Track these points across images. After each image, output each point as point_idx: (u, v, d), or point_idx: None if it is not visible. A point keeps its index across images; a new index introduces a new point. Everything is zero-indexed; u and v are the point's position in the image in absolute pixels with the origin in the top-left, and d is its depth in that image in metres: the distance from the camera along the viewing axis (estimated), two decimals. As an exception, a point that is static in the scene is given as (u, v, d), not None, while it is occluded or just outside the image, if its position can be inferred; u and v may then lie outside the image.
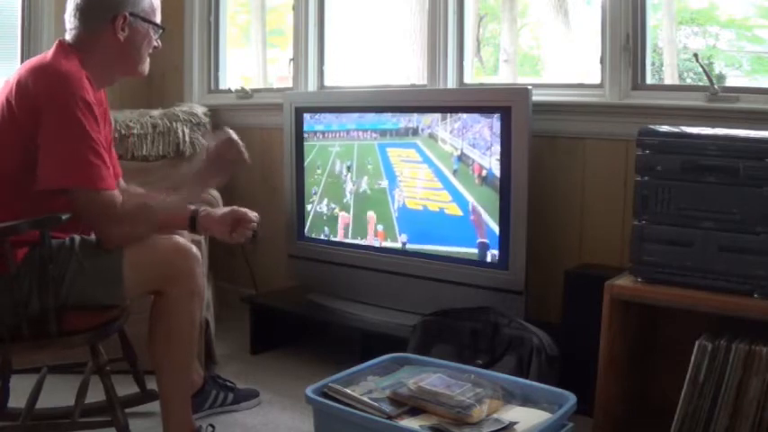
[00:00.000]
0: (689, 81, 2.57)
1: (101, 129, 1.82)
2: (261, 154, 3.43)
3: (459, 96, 2.70)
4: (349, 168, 2.84)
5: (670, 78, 2.63)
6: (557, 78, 3.20)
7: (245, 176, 3.47)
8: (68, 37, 1.90)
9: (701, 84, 2.38)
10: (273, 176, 3.32)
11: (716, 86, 2.25)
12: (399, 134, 2.69)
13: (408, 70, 3.41)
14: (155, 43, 1.98)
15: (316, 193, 2.95)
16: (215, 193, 2.90)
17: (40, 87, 1.75)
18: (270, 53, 3.83)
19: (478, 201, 2.48)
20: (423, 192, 2.64)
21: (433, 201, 2.61)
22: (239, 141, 2.01)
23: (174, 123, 3.20)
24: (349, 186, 2.84)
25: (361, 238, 2.81)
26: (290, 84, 3.36)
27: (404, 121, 2.66)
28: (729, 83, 2.43)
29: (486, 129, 2.44)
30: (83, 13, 1.87)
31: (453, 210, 2.55)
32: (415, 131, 2.64)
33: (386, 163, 2.73)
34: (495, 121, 2.40)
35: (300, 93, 3.24)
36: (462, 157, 2.52)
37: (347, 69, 3.37)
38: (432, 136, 2.60)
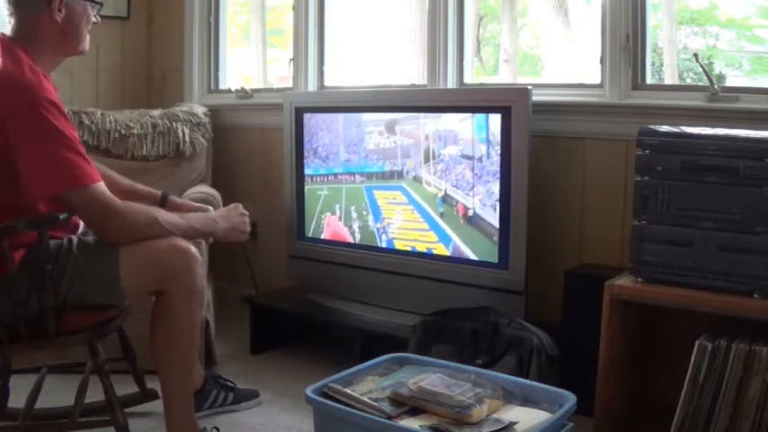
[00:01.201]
0: (689, 81, 2.57)
1: (71, 124, 1.81)
2: (261, 154, 3.43)
3: (459, 96, 2.70)
4: (340, 210, 2.85)
5: (670, 78, 2.63)
6: (557, 78, 3.20)
7: (246, 176, 3.48)
8: (8, 29, 1.85)
9: (701, 84, 2.38)
10: (273, 176, 3.32)
11: (716, 86, 2.25)
12: (385, 177, 2.70)
13: (408, 70, 3.41)
14: (93, 19, 1.94)
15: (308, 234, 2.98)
16: (214, 192, 2.90)
17: (2, 101, 1.70)
18: (270, 53, 3.83)
19: (464, 241, 2.50)
20: (410, 233, 2.66)
21: (420, 242, 2.63)
22: (246, 213, 2.08)
23: (174, 123, 3.20)
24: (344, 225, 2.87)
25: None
26: (290, 84, 3.36)
27: (389, 164, 2.68)
28: (729, 83, 2.43)
29: (467, 170, 2.46)
30: (17, 3, 1.83)
31: (441, 250, 2.57)
32: (400, 174, 2.66)
33: (373, 205, 2.75)
34: (479, 154, 2.42)
35: (300, 93, 3.24)
36: (446, 198, 2.54)
37: (347, 69, 3.37)
38: (416, 178, 2.62)
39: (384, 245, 2.73)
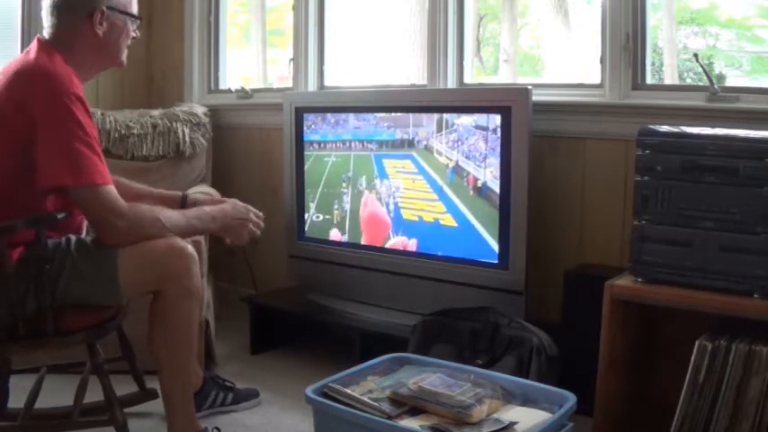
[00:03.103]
0: (689, 81, 2.57)
1: (93, 123, 1.83)
2: (261, 154, 3.43)
3: (459, 96, 2.70)
4: (348, 179, 2.84)
5: (670, 78, 2.63)
6: (557, 78, 3.20)
7: (245, 176, 3.48)
8: (46, 35, 1.88)
9: (701, 84, 2.38)
10: (273, 177, 3.32)
11: (716, 86, 2.25)
12: (395, 146, 2.70)
13: (408, 70, 3.41)
14: (133, 34, 1.98)
15: (313, 202, 2.96)
16: (214, 192, 2.90)
17: (31, 90, 1.74)
18: (270, 53, 3.83)
19: (472, 212, 2.49)
20: (418, 203, 2.65)
21: (428, 212, 2.62)
22: (248, 218, 2.05)
23: (174, 123, 3.20)
24: (345, 197, 2.85)
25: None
26: (290, 84, 3.36)
27: (400, 132, 2.67)
28: (729, 83, 2.43)
29: (481, 141, 2.45)
30: (59, 10, 1.86)
31: (448, 221, 2.57)
32: (411, 143, 2.65)
33: (382, 174, 2.74)
34: (494, 125, 2.41)
35: (300, 93, 3.24)
36: (457, 169, 2.53)
37: (347, 69, 3.37)
38: (427, 148, 2.61)
39: (392, 211, 2.71)
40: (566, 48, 3.22)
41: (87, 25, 1.86)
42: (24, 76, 1.77)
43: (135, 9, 1.98)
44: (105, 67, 2.00)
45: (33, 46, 1.86)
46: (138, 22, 1.99)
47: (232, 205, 2.06)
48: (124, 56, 1.99)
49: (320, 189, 2.92)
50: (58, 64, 1.79)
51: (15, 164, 1.75)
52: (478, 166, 2.47)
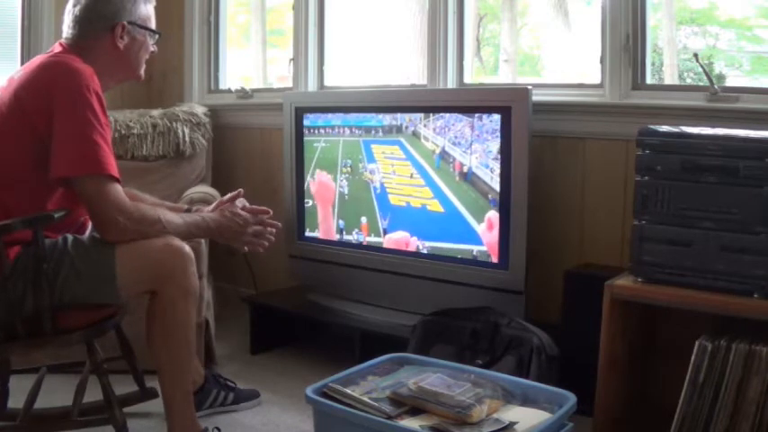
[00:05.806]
0: (689, 81, 2.57)
1: (108, 122, 1.85)
2: (261, 154, 3.43)
3: (459, 96, 2.70)
4: (334, 164, 2.86)
5: (670, 78, 2.63)
6: (557, 78, 3.20)
7: (246, 176, 3.48)
8: (68, 38, 1.93)
9: (701, 84, 2.38)
10: (273, 177, 3.32)
11: (716, 86, 2.25)
12: (384, 131, 2.71)
13: (408, 70, 3.41)
14: (151, 48, 2.02)
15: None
16: (214, 192, 2.90)
17: (52, 80, 1.78)
18: (270, 53, 3.83)
19: (459, 198, 2.51)
20: (406, 188, 2.67)
21: (415, 197, 2.64)
22: (242, 222, 2.03)
23: (174, 123, 3.20)
24: (335, 182, 2.88)
25: (347, 234, 2.85)
26: (290, 84, 3.37)
27: (388, 118, 2.69)
28: (729, 83, 2.43)
29: (467, 127, 2.47)
30: (81, 24, 1.90)
31: (435, 206, 2.58)
32: (399, 129, 2.66)
33: (370, 159, 2.76)
34: (485, 121, 2.42)
35: (300, 93, 3.24)
36: (444, 155, 2.54)
37: (347, 69, 3.37)
38: (415, 134, 2.62)
39: (379, 201, 2.73)
40: (566, 48, 3.21)
41: (109, 39, 1.91)
42: (46, 68, 1.81)
43: (153, 24, 2.01)
44: (124, 79, 2.04)
45: (56, 47, 1.91)
46: (157, 36, 2.02)
47: (229, 219, 2.03)
48: (142, 69, 2.03)
49: (309, 175, 2.95)
50: (80, 63, 1.83)
51: (34, 153, 1.77)
52: (465, 152, 2.48)
